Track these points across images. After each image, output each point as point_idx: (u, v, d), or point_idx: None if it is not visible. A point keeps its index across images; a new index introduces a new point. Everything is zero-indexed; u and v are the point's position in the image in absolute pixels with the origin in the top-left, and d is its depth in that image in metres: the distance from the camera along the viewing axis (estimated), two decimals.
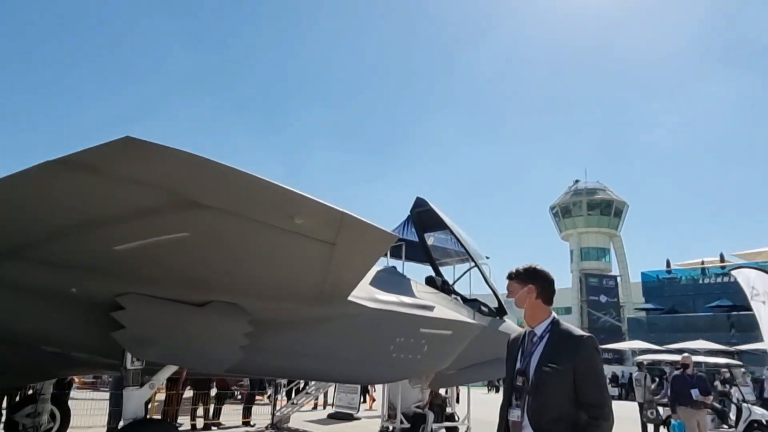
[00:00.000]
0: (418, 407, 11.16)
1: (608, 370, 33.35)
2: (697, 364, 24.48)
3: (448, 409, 13.37)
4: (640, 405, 12.64)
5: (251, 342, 6.20)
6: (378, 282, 9.40)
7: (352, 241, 4.66)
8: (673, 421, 9.28)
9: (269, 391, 14.12)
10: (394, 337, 8.57)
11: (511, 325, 12.61)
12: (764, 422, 12.56)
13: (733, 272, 13.56)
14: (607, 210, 62.67)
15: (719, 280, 43.98)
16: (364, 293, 8.41)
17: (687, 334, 34.50)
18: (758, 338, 30.41)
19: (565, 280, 67.61)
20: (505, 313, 12.51)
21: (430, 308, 9.22)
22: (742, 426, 12.46)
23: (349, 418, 14.41)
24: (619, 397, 27.08)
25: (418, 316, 8.91)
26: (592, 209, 62.36)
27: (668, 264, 50.65)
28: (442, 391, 13.73)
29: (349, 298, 7.80)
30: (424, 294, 10.25)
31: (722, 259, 45.48)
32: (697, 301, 44.17)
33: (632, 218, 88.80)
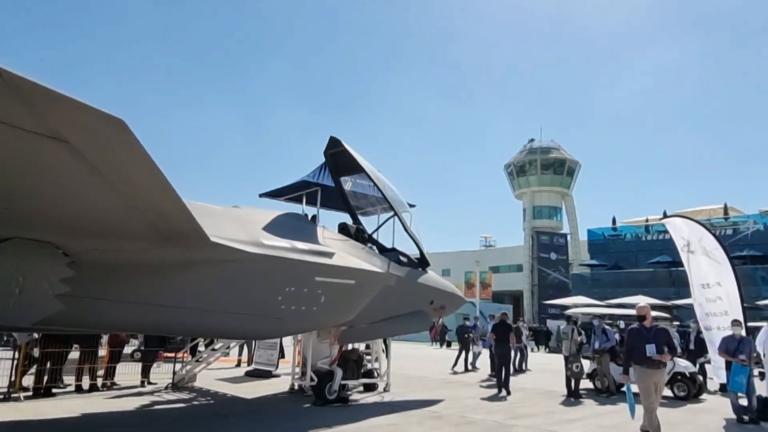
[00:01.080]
0: (324, 364, 10.34)
1: (553, 324, 33.78)
2: (630, 317, 24.86)
3: (370, 366, 12.65)
4: (566, 358, 12.21)
5: (74, 290, 5.12)
6: (272, 226, 8.37)
7: (79, 131, 3.45)
8: (626, 384, 7.67)
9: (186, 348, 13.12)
10: (282, 287, 7.62)
11: (434, 277, 11.88)
12: (687, 374, 12.34)
13: (664, 221, 13.08)
14: (560, 169, 63.11)
15: (661, 237, 44.85)
16: (247, 237, 7.37)
17: (629, 290, 35.05)
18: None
19: (517, 238, 68.45)
20: (427, 264, 11.74)
21: (329, 255, 8.27)
22: (666, 376, 12.20)
23: (267, 375, 13.58)
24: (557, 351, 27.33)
25: (312, 263, 7.96)
26: (546, 168, 62.65)
27: (614, 221, 51.44)
28: (362, 347, 13.01)
29: (225, 242, 6.78)
30: (331, 241, 9.30)
31: (665, 217, 46.28)
32: (640, 257, 45.08)
33: (584, 178, 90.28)
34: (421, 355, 24.37)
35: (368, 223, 12.60)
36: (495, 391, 12.50)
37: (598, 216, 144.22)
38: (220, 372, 14.55)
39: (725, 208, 46.34)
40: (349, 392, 11.53)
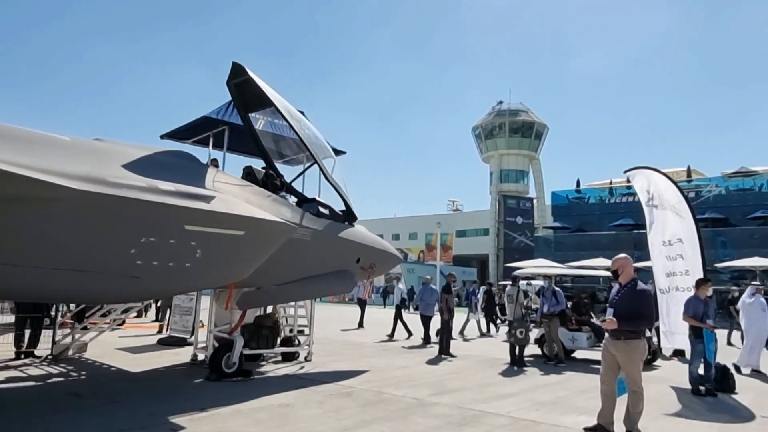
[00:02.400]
0: (224, 332, 8.82)
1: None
2: (588, 280, 23.94)
3: (290, 332, 11.21)
4: (510, 324, 10.97)
5: None
6: (137, 164, 6.59)
7: None
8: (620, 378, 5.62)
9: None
10: (136, 237, 5.95)
11: (362, 233, 10.34)
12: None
13: (628, 174, 11.72)
14: (528, 132, 62.21)
15: (625, 200, 44.30)
16: (85, 172, 5.65)
17: (592, 252, 34.34)
18: None
19: (484, 202, 67.72)
20: (354, 218, 10.20)
21: (206, 199, 6.61)
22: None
23: (182, 343, 12.02)
24: None
25: (179, 208, 6.25)
26: (514, 131, 61.66)
27: (578, 184, 50.71)
28: (290, 310, 11.55)
29: (39, 175, 5.10)
30: (223, 186, 7.62)
31: (629, 180, 45.66)
32: (603, 220, 44.48)
33: (551, 142, 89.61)
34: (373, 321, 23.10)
35: (293, 171, 11.03)
36: (432, 357, 11.27)
37: (564, 181, 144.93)
38: (130, 340, 12.95)
39: (688, 171, 45.93)
40: (263, 363, 10.10)
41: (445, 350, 11.94)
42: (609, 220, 43.49)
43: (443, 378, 9.12)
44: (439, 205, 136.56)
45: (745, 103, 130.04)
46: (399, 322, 16.01)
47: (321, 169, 9.39)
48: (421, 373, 9.60)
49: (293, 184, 10.03)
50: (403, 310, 17.12)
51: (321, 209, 9.43)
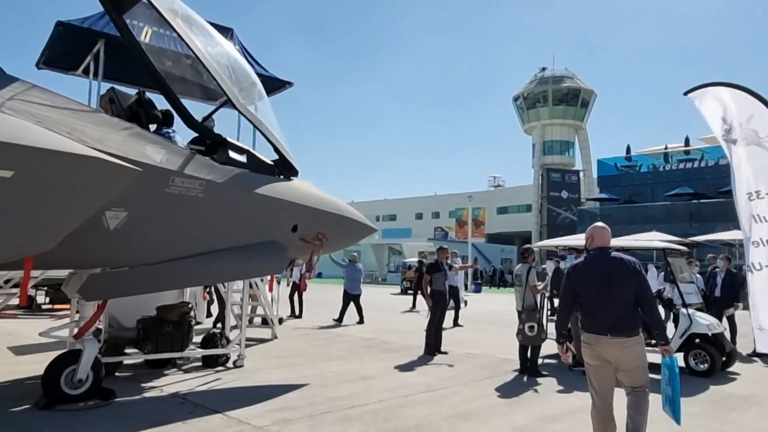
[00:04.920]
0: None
1: (551, 265, 29.39)
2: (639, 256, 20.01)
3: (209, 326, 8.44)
4: (519, 315, 7.79)
5: None
6: None
7: None
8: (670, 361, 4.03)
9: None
10: None
11: (304, 189, 7.30)
12: (710, 335, 7.95)
13: (693, 95, 7.93)
14: (573, 100, 57.55)
15: (682, 166, 39.51)
16: None
17: (642, 226, 30.23)
18: (719, 228, 26.32)
19: (526, 177, 63.64)
20: (293, 172, 7.26)
21: None
22: (677, 341, 7.84)
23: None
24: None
25: None
26: (558, 100, 57.02)
27: (628, 150, 45.78)
28: (235, 296, 8.76)
29: None
30: (20, 105, 4.82)
31: (687, 143, 40.71)
32: (656, 190, 39.87)
33: (598, 110, 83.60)
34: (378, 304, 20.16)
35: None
36: (416, 359, 8.30)
37: (614, 151, 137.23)
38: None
39: None
40: (179, 369, 7.38)
41: (431, 349, 8.90)
42: (663, 190, 38.85)
43: (406, 400, 6.11)
44: (480, 181, 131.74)
45: None
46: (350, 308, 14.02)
47: (231, 101, 6.42)
48: (381, 389, 6.61)
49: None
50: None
51: (233, 155, 6.49)
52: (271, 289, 9.64)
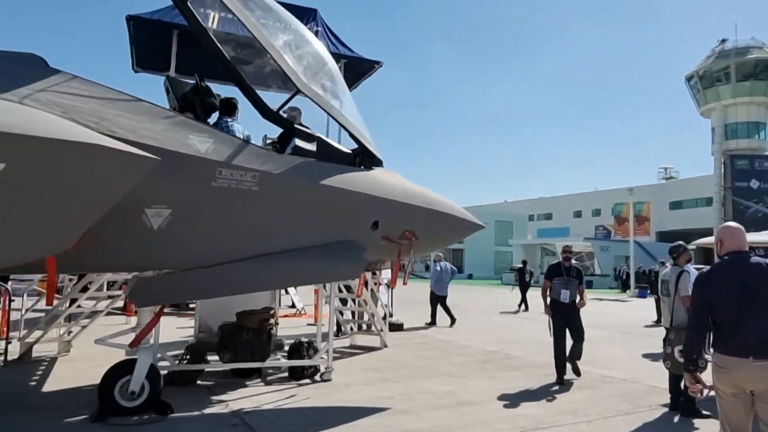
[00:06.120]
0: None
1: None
2: None
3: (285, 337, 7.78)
4: (666, 335, 5.93)
5: None
6: None
7: None
8: None
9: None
10: None
11: (388, 181, 6.27)
12: None
13: None
14: (764, 74, 49.05)
15: None
16: None
17: None
18: None
19: (704, 166, 55.99)
20: (375, 161, 6.30)
21: None
22: None
23: None
24: None
25: None
26: (744, 75, 49.13)
27: None
28: (286, 304, 8.11)
29: None
30: (54, 97, 4.47)
31: None
32: None
33: None
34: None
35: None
36: (535, 383, 6.84)
37: None
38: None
39: None
40: (263, 379, 6.86)
41: (559, 371, 7.22)
42: None
43: None
44: (649, 175, 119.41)
45: None
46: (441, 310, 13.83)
47: (302, 91, 5.68)
48: (474, 421, 5.34)
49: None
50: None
51: (300, 143, 5.74)
52: (359, 294, 8.77)
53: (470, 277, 55.29)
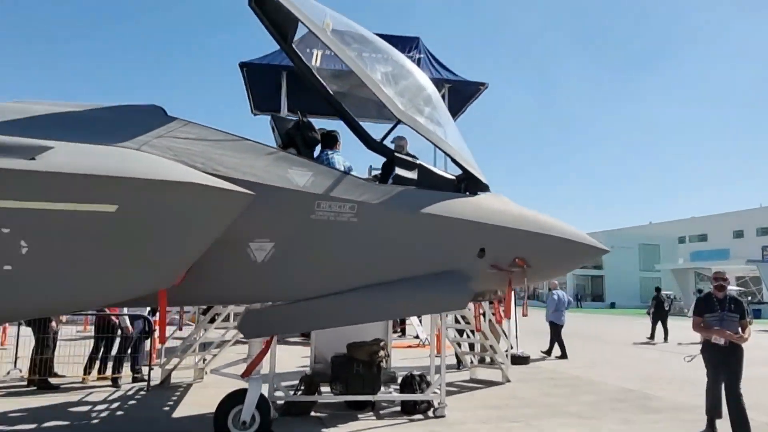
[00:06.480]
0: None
1: None
2: None
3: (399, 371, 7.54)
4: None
5: None
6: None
7: None
8: None
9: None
10: None
11: (494, 206, 5.98)
12: None
13: None
14: None
15: None
16: None
17: None
18: None
19: None
20: (481, 186, 6.00)
21: (33, 151, 3.95)
22: None
23: None
24: None
25: None
26: None
27: None
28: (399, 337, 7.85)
29: None
30: (167, 141, 4.86)
31: None
32: None
33: None
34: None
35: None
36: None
37: None
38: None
39: None
40: (375, 412, 6.76)
41: (710, 420, 6.13)
42: None
43: None
44: None
45: None
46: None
47: (398, 119, 5.65)
48: None
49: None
50: None
51: (401, 171, 5.67)
52: (478, 328, 8.28)
53: (612, 305, 51.30)
